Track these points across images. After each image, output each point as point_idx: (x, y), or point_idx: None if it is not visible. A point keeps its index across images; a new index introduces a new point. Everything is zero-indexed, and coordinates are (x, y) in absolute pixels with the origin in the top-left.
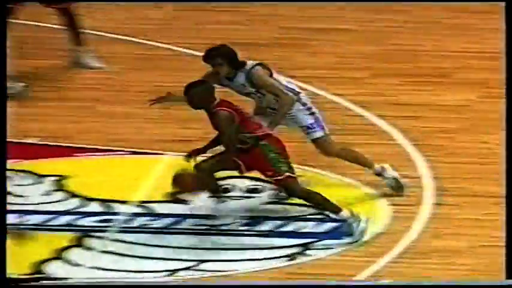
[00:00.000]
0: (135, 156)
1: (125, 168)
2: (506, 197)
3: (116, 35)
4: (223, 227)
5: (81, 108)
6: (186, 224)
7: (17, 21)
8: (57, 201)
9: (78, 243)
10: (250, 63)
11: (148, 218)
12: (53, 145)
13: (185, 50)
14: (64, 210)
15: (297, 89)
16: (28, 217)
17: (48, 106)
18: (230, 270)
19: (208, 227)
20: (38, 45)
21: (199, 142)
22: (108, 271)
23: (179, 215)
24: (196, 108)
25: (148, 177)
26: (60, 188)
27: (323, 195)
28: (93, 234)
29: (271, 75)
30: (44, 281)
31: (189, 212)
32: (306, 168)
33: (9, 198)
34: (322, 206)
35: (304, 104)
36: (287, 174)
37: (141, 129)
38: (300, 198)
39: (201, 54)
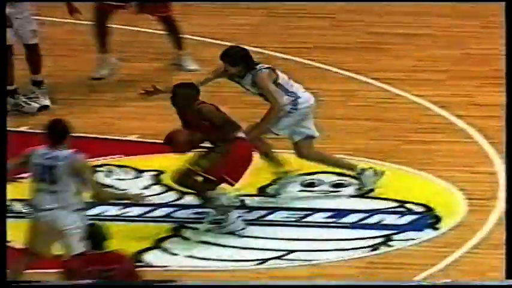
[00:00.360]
0: None
1: None
2: (506, 197)
3: (210, 39)
4: (308, 219)
5: None
6: (276, 216)
7: (119, 26)
8: (155, 195)
9: (175, 234)
10: (259, 66)
11: (241, 210)
12: (152, 142)
13: (274, 53)
14: (162, 203)
15: (299, 94)
16: (128, 209)
17: (149, 106)
18: (317, 260)
19: (297, 219)
20: (138, 49)
21: (286, 140)
22: (202, 260)
23: (270, 207)
24: (177, 107)
25: None
26: (158, 182)
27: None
28: (189, 225)
29: (275, 81)
30: (43, 281)
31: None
32: (386, 163)
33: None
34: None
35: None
36: (197, 171)
37: None
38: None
39: (290, 57)
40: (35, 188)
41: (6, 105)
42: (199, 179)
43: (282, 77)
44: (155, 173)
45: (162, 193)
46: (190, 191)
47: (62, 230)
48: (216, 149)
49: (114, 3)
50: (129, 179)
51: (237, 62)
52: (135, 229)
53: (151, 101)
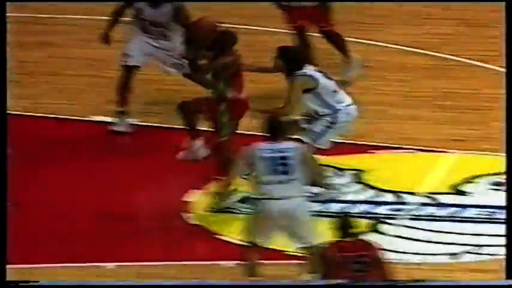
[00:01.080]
0: (422, 153)
1: (413, 163)
2: (506, 196)
3: (408, 47)
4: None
5: (375, 111)
6: (467, 213)
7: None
8: (355, 192)
9: (374, 229)
10: (304, 71)
11: (434, 207)
12: (351, 143)
13: (468, 61)
14: (361, 200)
15: (338, 107)
16: (329, 205)
17: None
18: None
19: (486, 216)
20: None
21: (475, 142)
22: (399, 253)
23: (461, 205)
24: (213, 51)
25: (433, 171)
26: (358, 180)
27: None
28: (386, 221)
29: (311, 89)
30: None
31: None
32: None
33: (315, 189)
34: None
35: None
36: (224, 138)
37: (427, 129)
38: (223, 161)
39: (480, 64)
40: (262, 181)
41: (6, 104)
42: None
43: (326, 87)
44: (355, 171)
45: (361, 191)
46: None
47: (297, 218)
48: (222, 113)
49: (295, 24)
50: (331, 177)
51: (283, 59)
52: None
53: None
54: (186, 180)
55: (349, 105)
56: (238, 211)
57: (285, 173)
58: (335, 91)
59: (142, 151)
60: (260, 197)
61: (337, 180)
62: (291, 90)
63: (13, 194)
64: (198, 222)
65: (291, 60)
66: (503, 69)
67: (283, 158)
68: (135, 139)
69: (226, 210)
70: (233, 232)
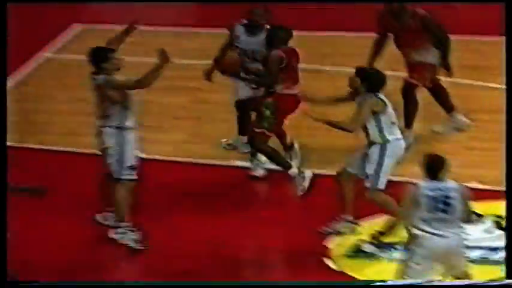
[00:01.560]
0: None
1: None
2: (506, 196)
3: None
4: None
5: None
6: None
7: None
8: (496, 238)
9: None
10: (376, 93)
11: None
12: (491, 190)
13: None
14: (502, 247)
15: (389, 138)
16: (469, 251)
17: (486, 155)
18: None
19: None
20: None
21: None
22: None
23: None
24: (268, 46)
25: None
26: (499, 226)
27: (277, 153)
28: None
29: (376, 112)
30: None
31: None
32: None
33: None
34: (275, 162)
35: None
36: (262, 130)
37: None
38: (258, 152)
39: None
40: (423, 218)
41: (6, 107)
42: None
43: (389, 115)
44: (495, 218)
45: (502, 237)
46: None
47: (455, 255)
48: (265, 105)
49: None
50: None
51: (359, 78)
52: (477, 269)
53: (481, 150)
54: (324, 223)
55: (398, 139)
56: (378, 255)
57: (444, 211)
58: (393, 123)
59: (277, 195)
60: (420, 234)
61: (478, 227)
62: (361, 108)
63: (149, 236)
64: (337, 268)
65: (369, 81)
66: None
67: (446, 197)
68: (270, 183)
69: (366, 254)
70: (375, 278)
